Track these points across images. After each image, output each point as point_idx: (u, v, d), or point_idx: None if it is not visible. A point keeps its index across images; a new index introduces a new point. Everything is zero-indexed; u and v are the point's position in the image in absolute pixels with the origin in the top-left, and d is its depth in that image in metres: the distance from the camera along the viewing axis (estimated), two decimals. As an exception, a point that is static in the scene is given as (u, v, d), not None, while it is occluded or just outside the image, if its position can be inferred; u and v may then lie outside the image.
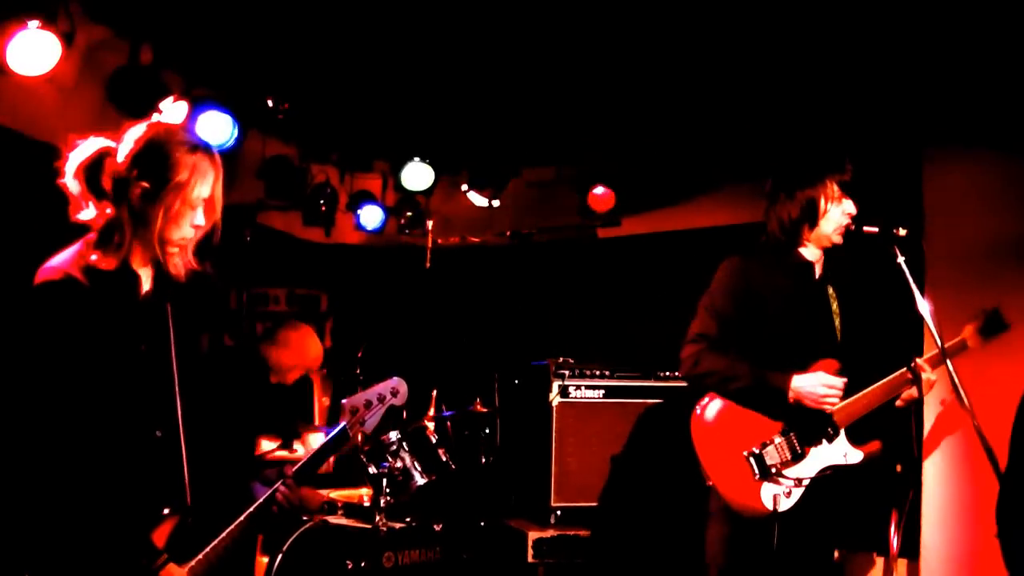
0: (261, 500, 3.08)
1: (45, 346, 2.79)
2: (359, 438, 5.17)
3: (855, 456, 3.92)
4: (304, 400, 6.21)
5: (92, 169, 2.93)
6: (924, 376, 3.87)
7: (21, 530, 2.75)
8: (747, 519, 3.81)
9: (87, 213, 2.93)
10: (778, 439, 3.86)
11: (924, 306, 3.71)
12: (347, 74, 6.35)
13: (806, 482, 3.82)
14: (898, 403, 3.96)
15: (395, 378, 3.45)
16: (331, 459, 3.94)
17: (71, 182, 2.94)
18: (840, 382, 3.84)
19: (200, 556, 2.95)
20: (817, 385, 3.83)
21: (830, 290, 4.07)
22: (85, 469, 2.75)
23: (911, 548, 5.28)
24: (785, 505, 3.78)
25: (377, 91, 6.63)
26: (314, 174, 7.51)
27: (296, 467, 3.20)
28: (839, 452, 3.90)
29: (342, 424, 3.30)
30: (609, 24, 5.40)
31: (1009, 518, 3.69)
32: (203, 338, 3.26)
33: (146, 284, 2.99)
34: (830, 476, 3.88)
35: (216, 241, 3.07)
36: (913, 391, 3.82)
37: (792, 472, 3.82)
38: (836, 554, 4.36)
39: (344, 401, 3.33)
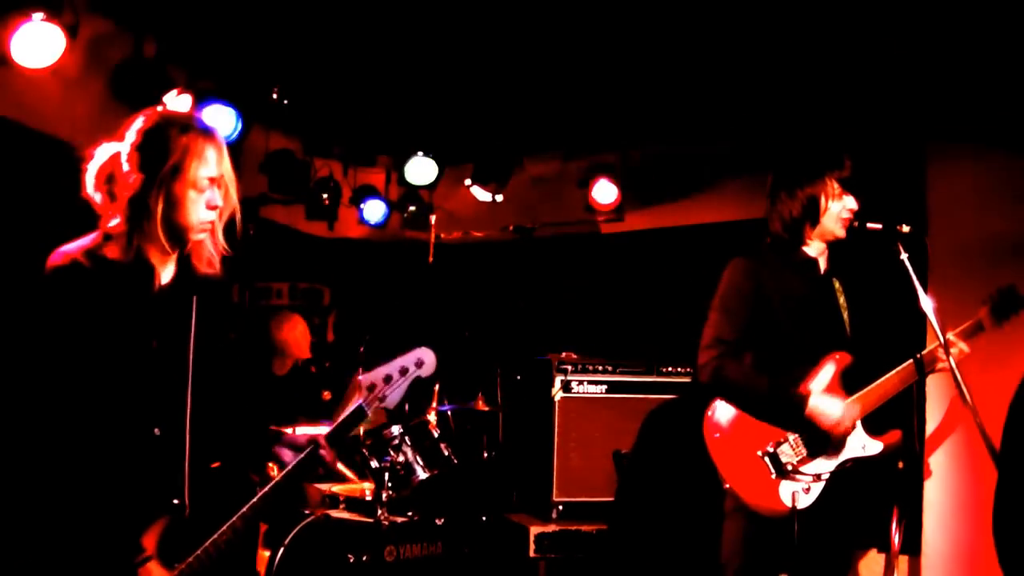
0: (297, 460, 3.00)
1: (42, 331, 2.76)
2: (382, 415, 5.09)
3: (874, 447, 3.88)
4: (303, 394, 6.23)
5: (109, 176, 2.90)
6: (957, 348, 3.86)
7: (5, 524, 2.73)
8: (767, 519, 3.78)
9: (115, 220, 2.89)
10: (792, 435, 3.85)
11: (927, 303, 3.70)
12: (350, 68, 6.35)
13: (826, 476, 3.80)
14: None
15: (420, 348, 3.21)
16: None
17: (94, 194, 2.91)
18: (857, 410, 3.83)
19: (199, 552, 2.88)
20: (834, 408, 3.79)
21: (836, 284, 4.06)
22: (70, 462, 2.71)
23: (913, 545, 5.28)
24: (805, 502, 3.74)
25: (380, 85, 6.63)
26: (317, 168, 7.52)
27: (329, 431, 3.09)
28: (857, 444, 3.86)
29: (358, 402, 3.11)
30: (613, 18, 5.39)
31: (1010, 519, 3.68)
32: (227, 330, 3.21)
33: (164, 277, 2.95)
34: (850, 469, 3.85)
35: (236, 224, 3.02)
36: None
37: (810, 468, 3.80)
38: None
39: (360, 377, 3.13)
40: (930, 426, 5.24)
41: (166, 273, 2.95)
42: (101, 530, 2.73)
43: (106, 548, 2.74)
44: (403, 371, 3.16)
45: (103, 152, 2.93)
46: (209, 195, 2.90)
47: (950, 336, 3.87)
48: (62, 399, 2.73)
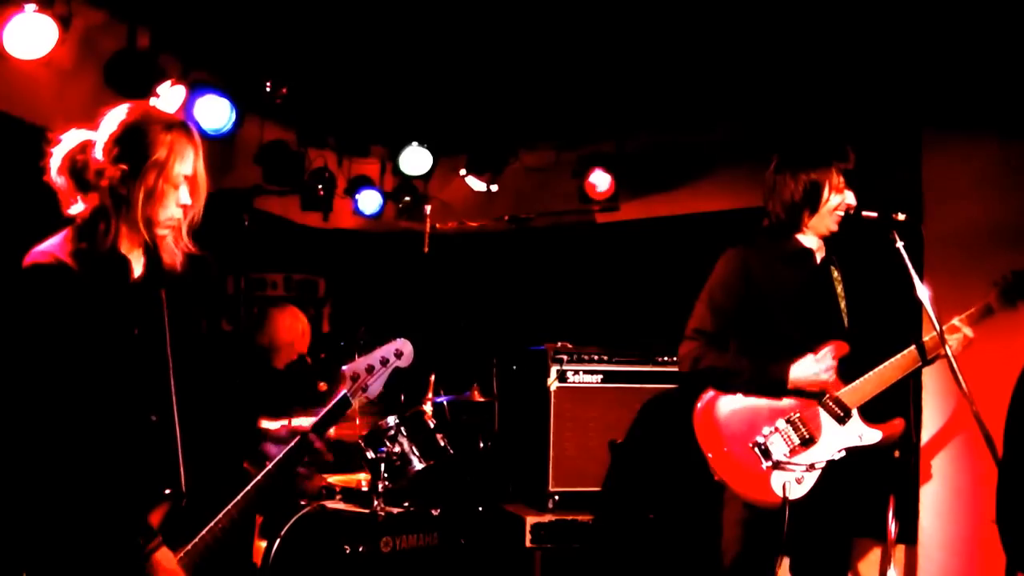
0: (286, 450, 3.09)
1: (34, 329, 2.78)
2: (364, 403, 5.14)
3: (872, 436, 3.86)
4: (299, 385, 6.22)
5: (75, 162, 2.93)
6: (962, 334, 3.86)
7: (14, 518, 2.75)
8: (761, 510, 3.78)
9: (76, 207, 2.93)
10: (782, 424, 3.84)
11: (923, 291, 3.70)
12: (345, 58, 6.34)
13: (820, 466, 3.79)
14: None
15: (399, 339, 3.38)
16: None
17: (56, 178, 2.94)
18: (830, 358, 3.84)
19: (196, 540, 2.94)
20: (810, 369, 3.83)
21: (834, 273, 4.05)
22: (78, 453, 2.74)
23: (909, 534, 5.29)
24: (797, 492, 3.73)
25: (375, 75, 6.62)
26: (312, 159, 7.50)
27: (314, 421, 3.20)
28: (853, 433, 3.85)
29: (342, 392, 3.24)
30: (607, 8, 5.38)
31: (1013, 506, 3.68)
32: (199, 322, 3.25)
33: (137, 269, 2.99)
34: (847, 459, 3.84)
35: (196, 223, 3.06)
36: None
37: (803, 458, 3.78)
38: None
39: (344, 368, 3.26)
40: (927, 415, 5.24)
41: (137, 266, 2.99)
42: (115, 516, 2.78)
43: (121, 534, 2.78)
44: (384, 361, 3.33)
45: (71, 138, 2.97)
46: (182, 193, 2.95)
47: (955, 321, 3.88)
48: (70, 392, 2.76)
